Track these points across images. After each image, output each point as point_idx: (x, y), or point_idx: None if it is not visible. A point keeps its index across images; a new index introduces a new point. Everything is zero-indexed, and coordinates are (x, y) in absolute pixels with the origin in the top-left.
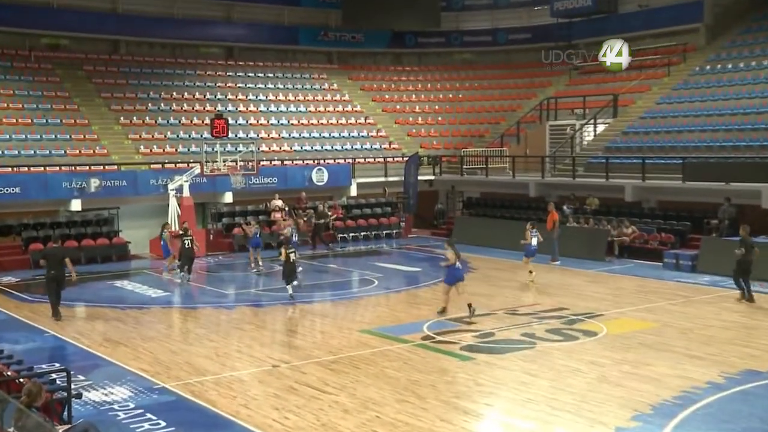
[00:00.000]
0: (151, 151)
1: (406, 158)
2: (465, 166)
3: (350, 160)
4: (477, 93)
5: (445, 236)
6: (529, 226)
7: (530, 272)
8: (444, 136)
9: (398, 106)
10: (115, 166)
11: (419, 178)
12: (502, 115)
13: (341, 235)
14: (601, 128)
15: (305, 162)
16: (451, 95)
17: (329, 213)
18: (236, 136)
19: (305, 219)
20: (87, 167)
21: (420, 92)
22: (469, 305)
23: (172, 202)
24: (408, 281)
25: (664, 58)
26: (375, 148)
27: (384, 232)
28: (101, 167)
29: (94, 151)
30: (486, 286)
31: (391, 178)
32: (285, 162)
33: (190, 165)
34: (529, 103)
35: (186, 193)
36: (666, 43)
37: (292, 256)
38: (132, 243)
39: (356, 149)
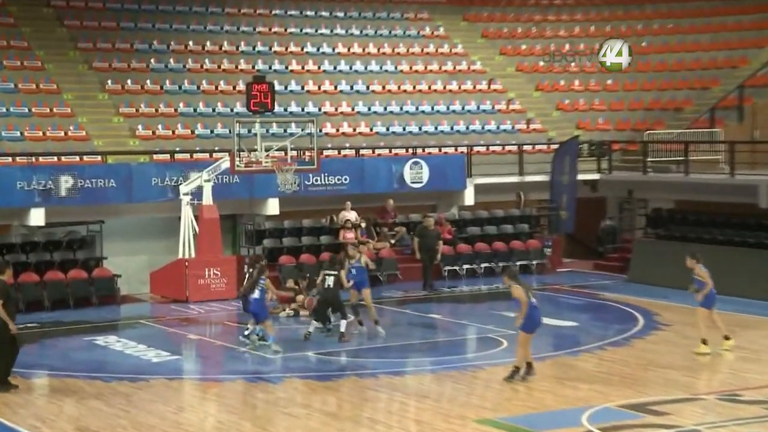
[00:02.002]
0: (153, 133)
1: (556, 146)
2: (650, 159)
3: (464, 150)
4: (671, 39)
5: (618, 269)
6: (693, 262)
7: (725, 338)
8: (616, 110)
9: (541, 63)
10: (99, 157)
11: (577, 177)
12: (712, 75)
13: (449, 268)
14: None
15: (393, 152)
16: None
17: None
18: (286, 110)
19: (394, 242)
20: (55, 158)
21: (576, 39)
22: (517, 368)
23: (186, 213)
24: (557, 342)
25: None
26: (504, 130)
27: (518, 262)
28: (77, 158)
29: (66, 133)
30: (683, 353)
31: (530, 178)
32: (362, 152)
33: (214, 156)
34: (758, 55)
35: (208, 199)
36: None
37: (329, 280)
38: (123, 276)
39: (474, 131)
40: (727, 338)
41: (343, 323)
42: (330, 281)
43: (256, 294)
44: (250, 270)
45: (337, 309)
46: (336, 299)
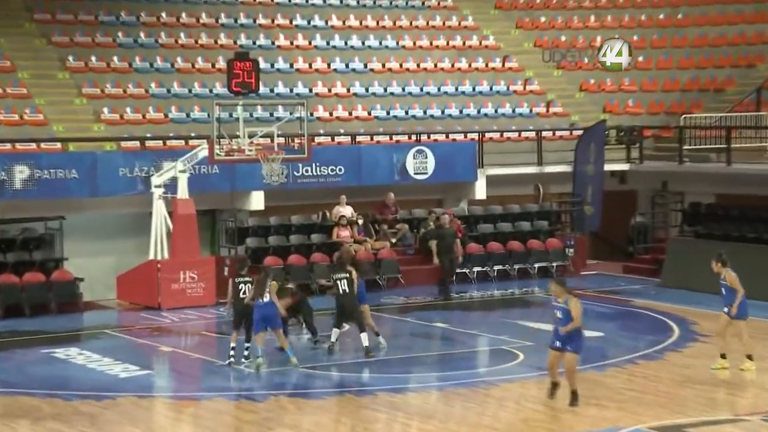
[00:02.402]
0: (121, 117)
1: (580, 132)
2: (687, 147)
3: (475, 136)
4: (710, 9)
5: (650, 272)
6: (719, 265)
7: (748, 358)
8: (648, 92)
9: (563, 37)
10: (59, 144)
11: (604, 168)
12: (758, 51)
13: (457, 270)
14: None
15: (394, 139)
16: (660, 15)
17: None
18: (272, 91)
19: (395, 241)
20: (9, 145)
21: (602, 11)
22: (575, 393)
23: (159, 209)
24: (581, 356)
25: None
26: (521, 114)
27: (536, 264)
28: (33, 145)
29: (21, 117)
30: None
31: (549, 168)
32: (358, 139)
33: (191, 143)
34: None
35: (183, 192)
36: None
37: (342, 284)
38: (86, 280)
39: (486, 115)
40: (749, 358)
41: (365, 336)
42: (344, 285)
43: (267, 298)
44: (242, 275)
45: (355, 318)
46: (355, 307)
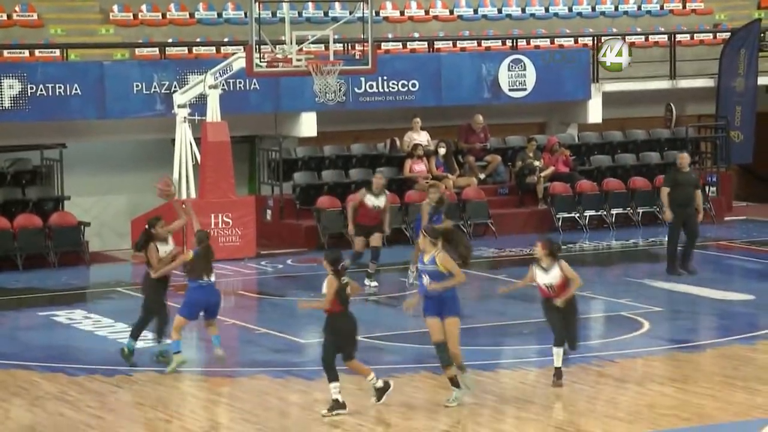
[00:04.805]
0: (135, 17)
1: (726, 35)
2: None
3: (588, 42)
4: None
5: None
6: None
7: None
8: None
9: None
10: (57, 51)
11: (758, 82)
12: None
13: (564, 215)
14: None
15: (483, 45)
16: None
17: (538, 164)
18: None
19: (485, 176)
20: None
21: None
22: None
23: (184, 135)
24: (725, 324)
25: None
26: (649, 12)
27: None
28: (25, 53)
29: (9, 17)
30: None
31: (685, 83)
32: (437, 45)
33: (223, 51)
34: None
35: (214, 114)
36: None
37: None
38: (93, 226)
39: (604, 14)
40: None
41: None
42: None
43: (213, 278)
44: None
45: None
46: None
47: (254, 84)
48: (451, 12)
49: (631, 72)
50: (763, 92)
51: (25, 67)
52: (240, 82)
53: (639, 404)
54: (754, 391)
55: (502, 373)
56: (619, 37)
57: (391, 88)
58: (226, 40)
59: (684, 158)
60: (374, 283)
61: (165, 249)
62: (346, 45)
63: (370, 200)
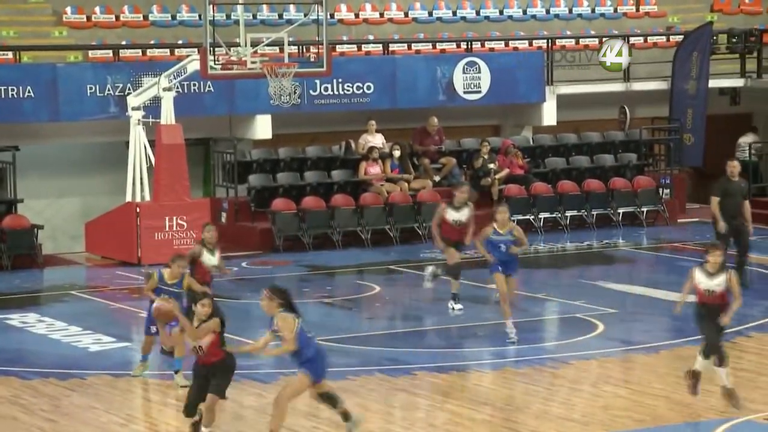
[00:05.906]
0: (88, 19)
1: (679, 38)
2: None
3: (542, 44)
4: None
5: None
6: None
7: None
8: None
9: None
10: (9, 54)
11: (709, 84)
12: None
13: (519, 217)
14: None
15: (438, 47)
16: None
17: (492, 167)
18: None
19: (440, 179)
20: None
21: None
22: None
23: (138, 137)
24: (677, 326)
25: None
26: (602, 14)
27: (620, 210)
28: None
29: None
30: None
31: (639, 85)
32: (392, 48)
33: (177, 53)
34: None
35: (168, 116)
36: None
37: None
38: (46, 228)
39: (558, 16)
40: None
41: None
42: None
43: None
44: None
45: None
46: None
47: (209, 86)
48: (406, 14)
49: (586, 75)
50: (715, 95)
51: None
52: (194, 85)
53: (593, 406)
54: (708, 392)
55: (457, 375)
56: (619, 37)
57: (346, 91)
58: (180, 42)
59: (734, 166)
60: (459, 306)
61: (211, 260)
62: (300, 47)
63: (451, 215)
